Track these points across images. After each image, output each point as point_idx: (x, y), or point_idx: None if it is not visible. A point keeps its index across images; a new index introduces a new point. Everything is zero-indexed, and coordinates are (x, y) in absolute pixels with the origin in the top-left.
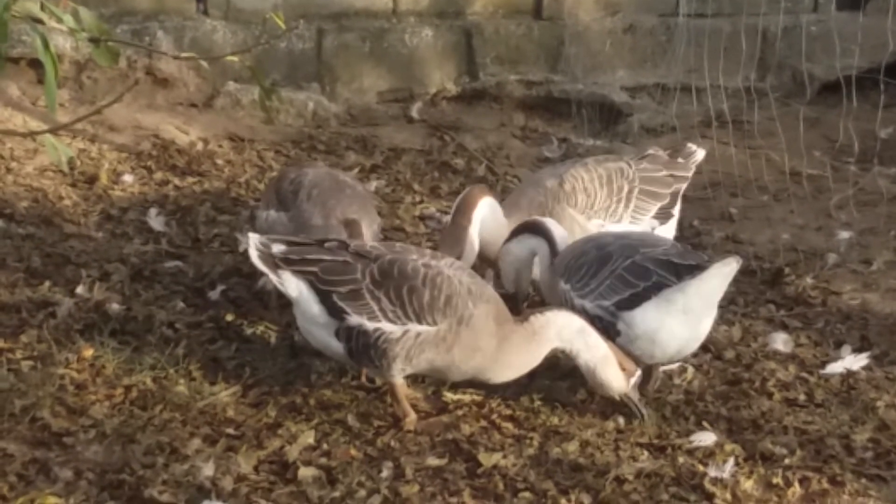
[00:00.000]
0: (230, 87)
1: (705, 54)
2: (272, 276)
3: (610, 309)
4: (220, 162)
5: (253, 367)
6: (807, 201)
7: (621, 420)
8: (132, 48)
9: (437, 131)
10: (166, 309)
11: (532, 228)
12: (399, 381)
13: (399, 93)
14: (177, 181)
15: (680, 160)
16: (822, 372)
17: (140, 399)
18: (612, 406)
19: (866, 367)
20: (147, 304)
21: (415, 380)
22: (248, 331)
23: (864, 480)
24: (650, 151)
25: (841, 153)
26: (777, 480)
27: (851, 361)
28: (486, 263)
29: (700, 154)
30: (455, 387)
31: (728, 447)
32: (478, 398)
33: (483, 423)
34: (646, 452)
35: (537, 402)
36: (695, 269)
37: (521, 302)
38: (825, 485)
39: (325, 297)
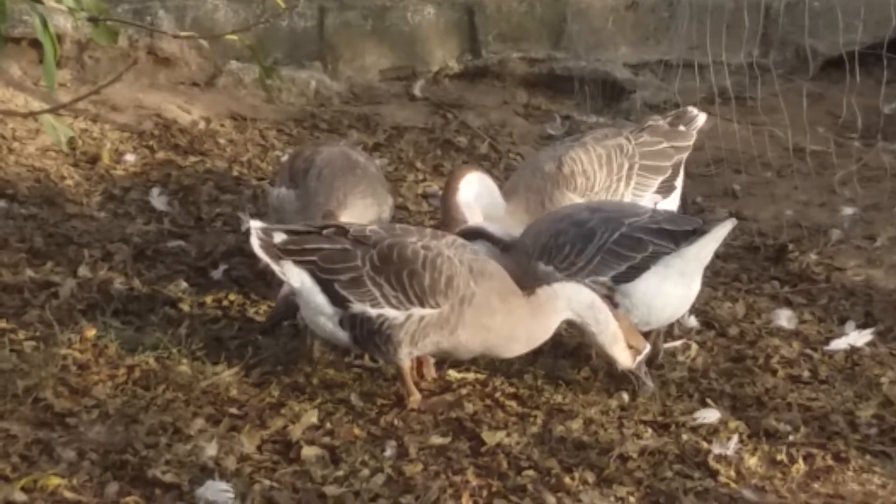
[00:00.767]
0: (232, 66)
1: (708, 30)
2: (274, 266)
3: (607, 284)
4: (222, 141)
5: (256, 346)
6: (810, 177)
7: (625, 397)
8: (134, 27)
9: (439, 109)
10: (169, 289)
11: (466, 236)
12: (406, 363)
13: (401, 71)
14: (179, 161)
15: (681, 128)
16: (826, 348)
17: (143, 379)
18: (616, 383)
19: (870, 343)
20: (150, 284)
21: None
22: (251, 310)
23: (868, 457)
24: (650, 122)
25: (844, 129)
26: (781, 457)
27: (855, 337)
28: None
29: (701, 118)
30: (458, 365)
31: (732, 424)
32: (481, 377)
33: (486, 401)
34: (650, 430)
35: (540, 381)
36: (693, 234)
37: None
38: (829, 461)
39: (326, 286)
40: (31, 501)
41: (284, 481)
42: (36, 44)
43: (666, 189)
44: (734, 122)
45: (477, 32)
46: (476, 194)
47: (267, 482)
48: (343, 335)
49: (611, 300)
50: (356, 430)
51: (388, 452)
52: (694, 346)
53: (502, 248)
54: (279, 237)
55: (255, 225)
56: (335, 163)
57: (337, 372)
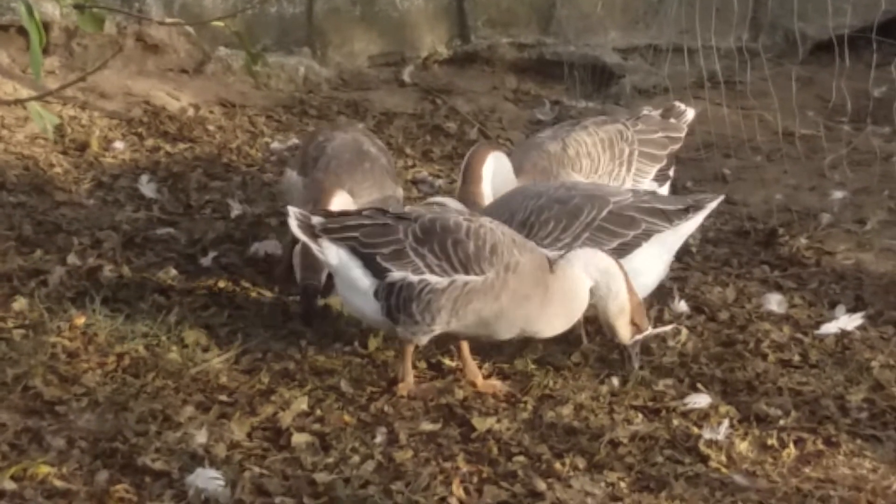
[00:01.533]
0: (221, 53)
1: (697, 15)
2: (313, 246)
3: None
4: (211, 128)
5: (245, 333)
6: (800, 161)
7: (615, 383)
8: (122, 14)
9: (428, 95)
10: (158, 276)
11: None
12: (422, 342)
13: (390, 56)
14: (168, 147)
15: (672, 120)
16: (816, 332)
17: (132, 367)
18: (607, 369)
19: (861, 327)
20: (139, 272)
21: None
22: (241, 297)
23: (859, 441)
24: (644, 112)
25: (834, 113)
26: (772, 442)
27: (846, 321)
28: None
29: (690, 114)
30: (450, 353)
31: (722, 409)
32: None
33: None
34: (640, 415)
35: (531, 366)
36: (687, 211)
37: None
38: (820, 446)
39: (367, 260)
40: (20, 490)
41: (274, 468)
42: (24, 31)
43: (661, 178)
44: (724, 106)
45: (466, 18)
46: (494, 174)
47: (257, 469)
48: (375, 307)
49: None
50: (346, 417)
51: (379, 439)
52: (684, 331)
53: None
54: (317, 219)
55: (293, 209)
56: (344, 155)
57: (327, 358)
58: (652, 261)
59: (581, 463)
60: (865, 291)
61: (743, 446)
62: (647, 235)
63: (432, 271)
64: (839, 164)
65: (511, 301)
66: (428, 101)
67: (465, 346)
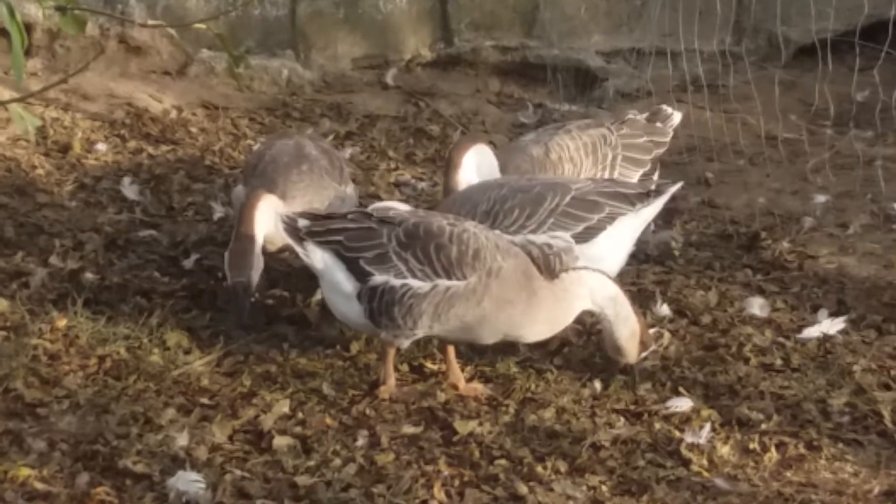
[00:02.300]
0: (204, 55)
1: (680, 18)
2: (298, 248)
3: (566, 239)
4: (193, 130)
5: (227, 336)
6: (783, 165)
7: (597, 386)
8: (105, 16)
9: (412, 98)
10: (140, 278)
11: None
12: (404, 345)
13: (374, 59)
14: (150, 150)
15: (658, 124)
16: (798, 336)
17: (114, 369)
18: (589, 372)
19: (843, 332)
20: (121, 274)
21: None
22: (223, 300)
23: (840, 445)
24: (629, 116)
25: (817, 117)
26: (754, 446)
27: (828, 326)
28: None
29: (677, 117)
30: (433, 356)
31: (704, 413)
32: None
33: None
34: (622, 419)
35: (513, 370)
36: (648, 196)
37: None
38: (802, 450)
39: (351, 264)
40: (1, 492)
41: (256, 471)
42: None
43: (647, 182)
44: (707, 109)
45: (449, 21)
46: (477, 167)
47: (238, 472)
48: (358, 310)
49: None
50: (328, 420)
51: (360, 442)
52: (666, 335)
53: None
54: (303, 222)
55: (281, 212)
56: (282, 159)
57: (309, 361)
58: (615, 245)
59: (563, 466)
60: (848, 295)
61: (725, 450)
62: (611, 219)
63: (415, 276)
64: (822, 168)
65: (494, 306)
66: (411, 104)
67: (450, 349)
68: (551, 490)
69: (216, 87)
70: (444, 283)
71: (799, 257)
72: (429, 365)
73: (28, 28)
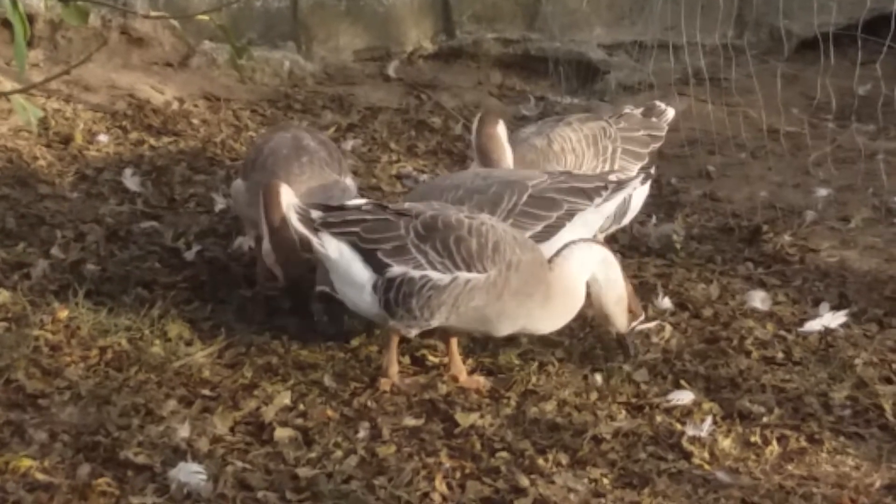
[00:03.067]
0: (206, 47)
1: (682, 11)
2: (313, 240)
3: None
4: (195, 122)
5: (229, 327)
6: (785, 158)
7: (599, 379)
8: (107, 7)
9: (413, 90)
10: (142, 269)
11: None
12: (411, 334)
13: (375, 51)
14: (152, 141)
15: (654, 119)
16: (800, 330)
17: (115, 360)
18: (591, 365)
19: (844, 325)
20: (122, 265)
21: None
22: (224, 291)
23: (842, 438)
24: (626, 110)
25: (819, 110)
26: (755, 439)
27: (829, 319)
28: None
29: (671, 113)
30: (435, 347)
31: (706, 406)
32: None
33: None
34: (623, 412)
35: (515, 362)
36: (606, 189)
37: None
38: (803, 443)
39: (368, 255)
40: (2, 483)
41: (257, 463)
42: (8, 24)
43: (644, 177)
44: (709, 103)
45: (451, 13)
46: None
47: (239, 464)
48: (371, 300)
49: None
50: (329, 412)
51: (362, 434)
52: (668, 328)
53: None
54: (316, 213)
55: (294, 204)
56: (280, 151)
57: (310, 353)
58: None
59: (564, 459)
60: (849, 289)
61: (726, 443)
62: (570, 216)
63: (434, 268)
64: (824, 162)
65: (513, 299)
66: (413, 97)
67: (453, 341)
68: (552, 482)
69: (218, 78)
70: (464, 275)
71: (800, 251)
72: (430, 357)
73: (30, 19)
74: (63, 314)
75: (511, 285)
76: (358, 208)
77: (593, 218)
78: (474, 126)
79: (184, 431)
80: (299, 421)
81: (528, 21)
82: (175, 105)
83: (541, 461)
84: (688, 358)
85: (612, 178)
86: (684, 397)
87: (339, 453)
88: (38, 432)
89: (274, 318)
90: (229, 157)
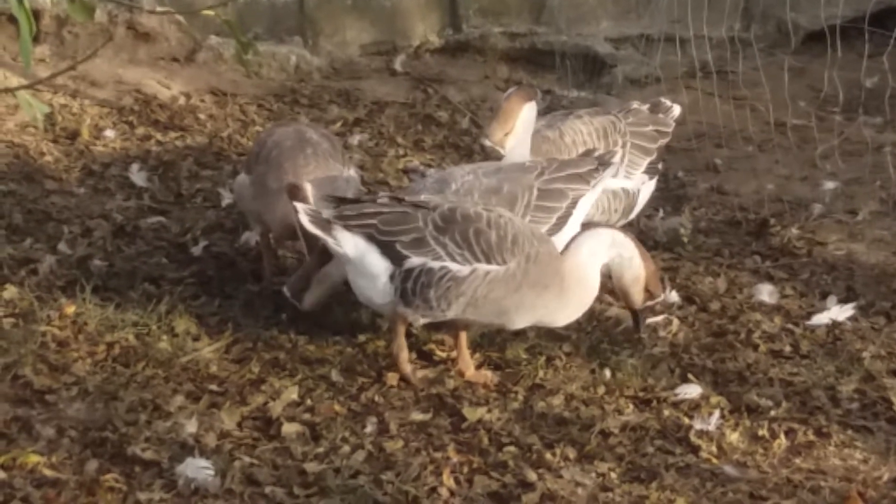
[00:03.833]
0: (212, 42)
1: (689, 4)
2: (327, 238)
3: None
4: (202, 117)
5: (236, 322)
6: (792, 152)
7: (606, 373)
8: (113, 3)
9: (420, 84)
10: (149, 265)
11: None
12: (419, 322)
13: (382, 45)
14: (159, 136)
15: (660, 115)
16: (807, 323)
17: (122, 356)
18: (598, 359)
19: (852, 318)
20: (129, 261)
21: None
22: (231, 286)
23: (850, 431)
24: (633, 105)
25: (826, 103)
26: (763, 432)
27: (837, 312)
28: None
29: (676, 110)
30: (442, 342)
31: (713, 399)
32: None
33: None
34: (631, 405)
35: (522, 356)
36: (598, 170)
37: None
38: (811, 436)
39: (386, 247)
40: (10, 479)
41: (265, 458)
42: (14, 19)
43: (651, 171)
44: (716, 96)
45: (458, 7)
46: (524, 127)
47: (247, 459)
48: (385, 291)
49: None
50: (336, 407)
51: (369, 429)
52: (675, 322)
53: None
54: (327, 211)
55: (300, 206)
56: (284, 143)
57: (317, 348)
58: (576, 226)
59: (572, 453)
60: (857, 282)
61: (734, 437)
62: (574, 203)
63: (454, 259)
64: (831, 155)
65: (531, 291)
66: (419, 91)
67: (462, 336)
68: (560, 477)
69: (224, 73)
70: (483, 267)
71: (808, 244)
72: (438, 352)
73: (36, 15)
74: (70, 310)
75: (530, 277)
76: (374, 201)
77: (590, 198)
78: (509, 91)
79: (191, 427)
80: (307, 416)
81: (535, 15)
82: (182, 100)
83: (548, 455)
84: (695, 352)
85: (596, 155)
86: (692, 391)
87: (346, 448)
88: (45, 428)
89: (281, 313)
90: (236, 152)
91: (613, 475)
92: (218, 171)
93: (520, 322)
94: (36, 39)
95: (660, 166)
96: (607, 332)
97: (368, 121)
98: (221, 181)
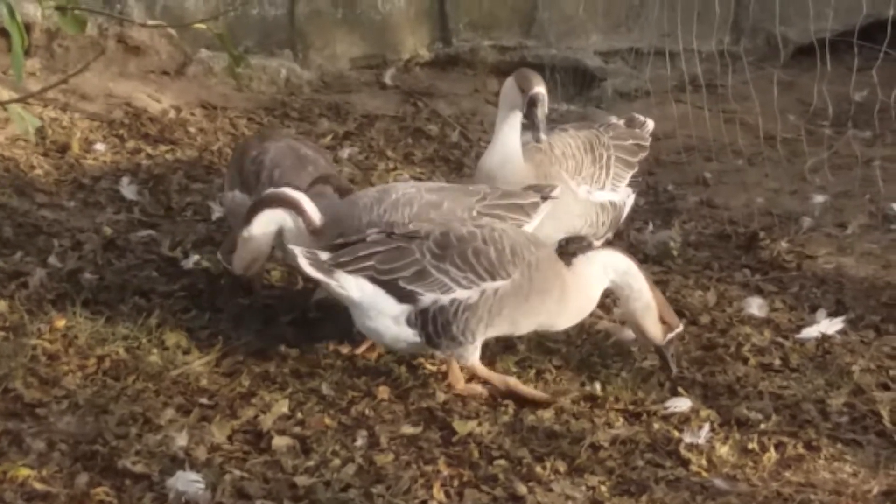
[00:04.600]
0: (202, 55)
1: (679, 18)
2: (330, 282)
3: None
4: (192, 130)
5: (226, 336)
6: (781, 165)
7: (597, 387)
8: (104, 16)
9: (410, 97)
10: (139, 278)
11: (276, 201)
12: (473, 360)
13: (372, 59)
14: (149, 150)
15: (637, 130)
16: (797, 336)
17: (113, 369)
18: (588, 372)
19: (841, 332)
20: (120, 274)
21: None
22: (222, 300)
23: (839, 445)
24: (612, 121)
25: (815, 116)
26: (752, 446)
27: (826, 326)
28: None
29: (650, 124)
30: (431, 356)
31: (703, 413)
32: None
33: None
34: (621, 419)
35: (513, 370)
36: (538, 204)
37: (257, 283)
38: (801, 450)
39: (389, 286)
40: (0, 492)
41: (255, 471)
42: (5, 33)
43: (634, 184)
44: (705, 109)
45: (447, 20)
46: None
47: (237, 472)
48: (410, 334)
49: None
50: (327, 420)
51: (359, 442)
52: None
53: (307, 221)
54: (324, 255)
55: (299, 250)
56: (285, 162)
57: (308, 362)
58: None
59: (562, 467)
60: (846, 295)
61: (723, 450)
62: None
63: (459, 284)
64: (820, 168)
65: (537, 297)
66: (409, 104)
67: None
68: (550, 490)
69: (215, 86)
70: (490, 285)
71: (797, 257)
72: (427, 365)
73: (27, 28)
74: (60, 323)
75: (535, 284)
76: (363, 240)
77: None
78: (521, 72)
79: (182, 440)
80: (297, 429)
81: (525, 28)
82: (172, 113)
83: (539, 469)
84: (685, 365)
85: (537, 191)
86: (682, 404)
87: (336, 461)
88: (35, 441)
89: (271, 327)
90: (226, 166)
91: (603, 488)
92: (208, 184)
93: (526, 328)
94: (27, 53)
95: (640, 179)
96: (597, 345)
97: (358, 134)
98: (211, 194)
